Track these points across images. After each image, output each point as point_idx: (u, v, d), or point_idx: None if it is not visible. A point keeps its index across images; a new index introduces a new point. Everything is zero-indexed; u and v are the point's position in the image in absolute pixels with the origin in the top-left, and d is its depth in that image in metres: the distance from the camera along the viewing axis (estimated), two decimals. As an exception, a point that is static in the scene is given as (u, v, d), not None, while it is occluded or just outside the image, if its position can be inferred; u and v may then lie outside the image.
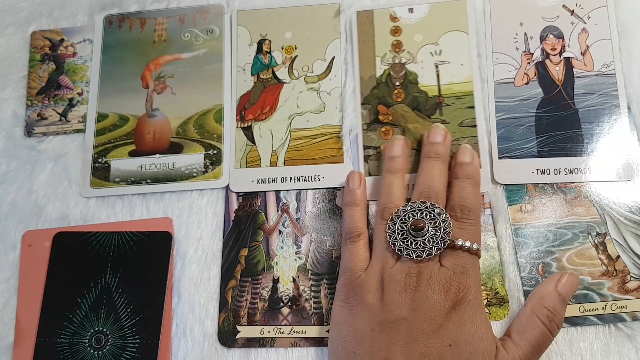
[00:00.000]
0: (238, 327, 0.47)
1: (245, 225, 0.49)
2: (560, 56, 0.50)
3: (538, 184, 0.47)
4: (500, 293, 0.45)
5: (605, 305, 0.44)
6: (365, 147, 0.50)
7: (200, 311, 0.47)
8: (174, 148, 0.52)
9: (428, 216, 0.42)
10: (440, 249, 0.41)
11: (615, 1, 0.50)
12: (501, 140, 0.49)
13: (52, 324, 0.47)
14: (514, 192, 0.47)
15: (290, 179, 0.50)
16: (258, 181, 0.50)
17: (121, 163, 0.52)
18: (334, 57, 0.52)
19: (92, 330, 0.46)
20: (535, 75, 0.50)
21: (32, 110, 0.54)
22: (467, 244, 0.41)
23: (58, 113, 0.54)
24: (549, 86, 0.49)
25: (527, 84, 0.50)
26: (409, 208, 0.43)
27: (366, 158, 0.49)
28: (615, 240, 0.46)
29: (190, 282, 0.48)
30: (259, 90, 0.53)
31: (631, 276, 0.45)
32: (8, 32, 0.57)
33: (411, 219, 0.42)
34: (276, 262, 0.48)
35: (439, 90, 0.50)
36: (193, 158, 0.51)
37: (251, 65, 0.53)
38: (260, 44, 0.54)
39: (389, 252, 0.42)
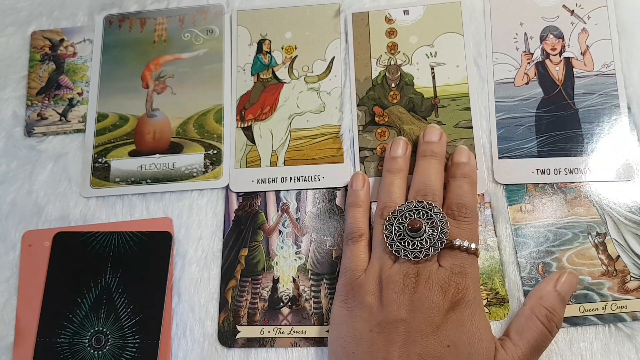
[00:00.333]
0: (238, 327, 0.47)
1: (245, 225, 0.49)
2: (560, 56, 0.50)
3: (538, 184, 0.47)
4: (501, 293, 0.45)
5: (605, 305, 0.44)
6: (361, 149, 0.50)
7: (200, 311, 0.47)
8: (174, 148, 0.52)
9: (425, 216, 0.42)
10: (438, 249, 0.41)
11: (615, 1, 0.50)
12: (501, 140, 0.49)
13: (52, 324, 0.47)
14: (514, 192, 0.47)
15: (290, 179, 0.50)
16: (258, 181, 0.50)
17: (121, 163, 0.52)
18: (334, 57, 0.52)
19: (92, 330, 0.46)
20: (535, 75, 0.50)
21: (32, 110, 0.54)
22: (465, 243, 0.41)
23: (58, 113, 0.54)
24: (549, 86, 0.49)
25: (527, 84, 0.50)
26: (406, 208, 0.43)
27: (362, 159, 0.49)
28: (615, 240, 0.46)
29: (190, 282, 0.48)
30: (259, 90, 0.53)
31: (631, 276, 0.45)
32: (8, 32, 0.57)
33: (408, 219, 0.42)
34: (276, 262, 0.48)
35: (435, 91, 0.50)
36: (193, 158, 0.51)
37: (251, 65, 0.53)
38: (260, 44, 0.54)
39: (386, 253, 0.42)
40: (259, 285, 0.48)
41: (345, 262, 0.44)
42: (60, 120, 0.54)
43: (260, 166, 0.50)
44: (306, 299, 0.47)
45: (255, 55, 0.53)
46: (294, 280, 0.47)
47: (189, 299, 0.48)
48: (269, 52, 0.53)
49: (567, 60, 0.50)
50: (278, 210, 0.49)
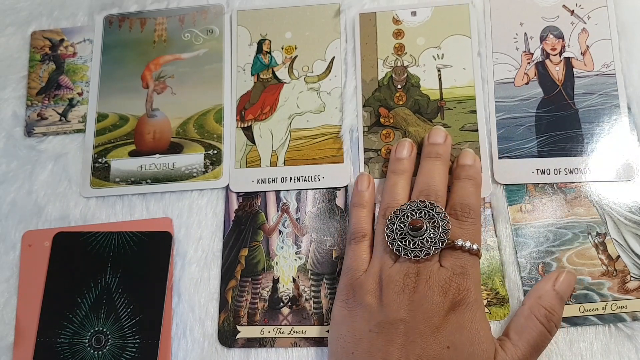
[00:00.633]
0: (238, 327, 0.47)
1: (245, 225, 0.49)
2: (560, 56, 0.50)
3: (538, 184, 0.47)
4: (501, 293, 0.45)
5: (605, 305, 0.44)
6: (365, 150, 0.50)
7: (200, 311, 0.47)
8: (174, 148, 0.52)
9: (427, 215, 0.42)
10: (439, 249, 0.41)
11: (615, 1, 0.50)
12: (501, 140, 0.49)
13: (52, 324, 0.47)
14: (514, 192, 0.47)
15: (290, 179, 0.50)
16: (258, 181, 0.50)
17: (121, 163, 0.52)
18: (334, 57, 0.52)
19: (92, 330, 0.46)
20: (535, 75, 0.50)
21: (32, 110, 0.54)
22: (467, 244, 0.41)
23: (58, 113, 0.54)
24: (549, 86, 0.49)
25: (527, 84, 0.50)
26: (408, 207, 0.43)
27: (367, 160, 0.49)
28: (615, 240, 0.46)
29: (190, 282, 0.48)
30: (259, 90, 0.53)
31: (631, 276, 0.45)
32: (8, 32, 0.57)
33: (409, 218, 0.42)
34: (276, 262, 0.48)
35: (441, 94, 0.50)
36: (193, 158, 0.51)
37: (251, 65, 0.53)
38: (260, 44, 0.54)
39: (387, 253, 0.42)
40: (259, 285, 0.48)
41: (347, 262, 0.44)
42: (60, 120, 0.54)
43: (260, 166, 0.50)
44: (306, 299, 0.47)
45: (255, 55, 0.53)
46: (294, 280, 0.47)
47: (189, 299, 0.48)
48: (269, 52, 0.53)
49: (567, 60, 0.50)
50: (278, 210, 0.49)
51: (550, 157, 0.48)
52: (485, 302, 0.45)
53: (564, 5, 0.51)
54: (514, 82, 0.50)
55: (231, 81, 0.53)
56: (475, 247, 0.41)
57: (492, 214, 0.47)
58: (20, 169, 0.52)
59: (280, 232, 0.49)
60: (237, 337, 0.46)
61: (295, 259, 0.48)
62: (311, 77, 0.52)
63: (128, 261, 0.48)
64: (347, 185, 0.49)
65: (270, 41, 0.54)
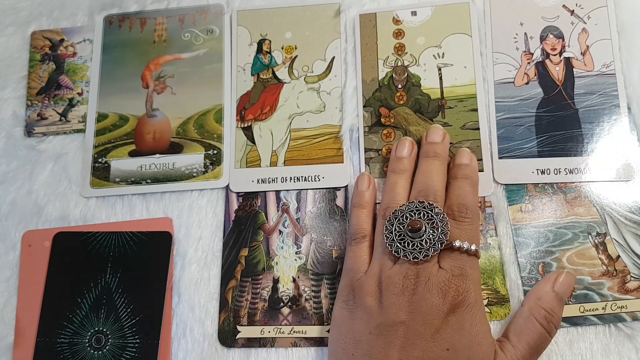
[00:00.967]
0: (238, 327, 0.47)
1: (245, 225, 0.49)
2: (560, 56, 0.50)
3: (538, 183, 0.47)
4: (501, 292, 0.45)
5: (605, 305, 0.44)
6: (366, 150, 0.50)
7: (200, 311, 0.47)
8: (174, 148, 0.52)
9: (425, 216, 0.42)
10: (438, 250, 0.41)
11: (615, 1, 0.51)
12: (501, 140, 0.49)
13: (52, 324, 0.47)
14: (514, 192, 0.47)
15: (290, 179, 0.50)
16: (258, 181, 0.50)
17: (121, 163, 0.52)
18: (334, 57, 0.52)
19: (92, 330, 0.46)
20: (535, 75, 0.50)
21: (32, 110, 0.54)
22: (465, 245, 0.41)
23: (58, 113, 0.54)
24: (549, 86, 0.49)
25: (527, 84, 0.50)
26: (406, 208, 0.42)
27: (367, 160, 0.49)
28: (615, 240, 0.46)
29: (190, 282, 0.48)
30: (259, 90, 0.53)
31: (631, 276, 0.45)
32: (8, 32, 0.57)
33: (408, 219, 0.42)
34: (276, 262, 0.48)
35: (442, 92, 0.50)
36: (193, 158, 0.51)
37: (251, 65, 0.53)
38: (260, 44, 0.54)
39: (386, 254, 0.42)
40: (259, 285, 0.48)
41: (347, 263, 0.44)
42: (60, 120, 0.54)
43: (260, 166, 0.50)
44: (306, 299, 0.47)
45: (255, 55, 0.53)
46: (294, 280, 0.47)
47: (189, 299, 0.48)
48: (269, 52, 0.53)
49: (567, 60, 0.50)
50: (278, 210, 0.49)
51: (550, 157, 0.48)
52: (485, 301, 0.45)
53: (564, 5, 0.51)
54: (514, 82, 0.50)
55: (231, 81, 0.53)
56: (473, 247, 0.41)
57: (492, 214, 0.47)
58: (20, 169, 0.52)
59: (280, 232, 0.49)
60: (237, 337, 0.46)
61: (296, 259, 0.48)
62: (311, 77, 0.52)
63: (128, 261, 0.48)
64: (347, 185, 0.49)
65: (270, 41, 0.54)
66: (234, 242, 0.49)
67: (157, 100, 0.53)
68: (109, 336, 0.46)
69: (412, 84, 0.51)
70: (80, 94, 0.54)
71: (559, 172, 0.47)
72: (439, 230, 0.41)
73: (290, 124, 0.51)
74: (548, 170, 0.47)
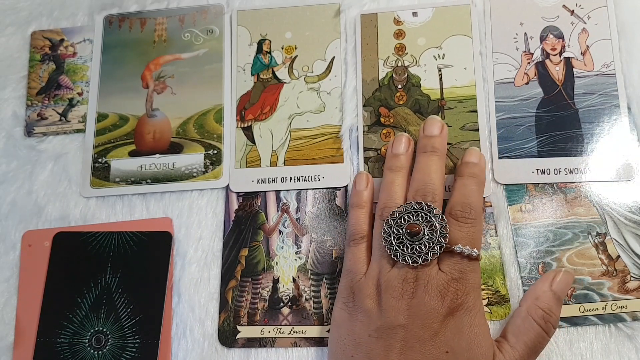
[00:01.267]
0: (238, 327, 0.47)
1: (245, 225, 0.49)
2: (560, 56, 0.50)
3: (538, 183, 0.47)
4: (501, 292, 0.45)
5: (605, 305, 0.44)
6: (365, 149, 0.50)
7: (200, 311, 0.47)
8: (174, 148, 0.52)
9: (424, 218, 0.41)
10: (437, 254, 0.40)
11: (615, 1, 0.50)
12: (501, 140, 0.49)
13: (52, 324, 0.47)
14: (514, 192, 0.47)
15: (290, 179, 0.50)
16: (258, 181, 0.50)
17: (121, 163, 0.52)
18: (334, 57, 0.52)
19: (92, 330, 0.46)
20: (535, 75, 0.50)
21: (32, 110, 0.54)
22: (466, 249, 0.40)
23: (58, 113, 0.54)
24: (549, 86, 0.49)
25: (527, 84, 0.50)
26: (404, 210, 0.41)
27: (366, 160, 0.49)
28: (615, 240, 0.46)
29: (190, 282, 0.48)
30: (259, 90, 0.53)
31: (631, 276, 0.45)
32: (8, 32, 0.57)
33: (407, 221, 0.41)
34: (276, 262, 0.48)
35: (442, 93, 0.50)
36: (193, 158, 0.51)
37: (251, 65, 0.53)
38: (260, 44, 0.54)
39: (385, 257, 0.41)
40: (259, 285, 0.48)
41: (346, 264, 0.44)
42: (60, 120, 0.54)
43: (260, 166, 0.50)
44: (306, 299, 0.47)
45: (255, 55, 0.53)
46: (294, 280, 0.47)
47: (189, 299, 0.48)
48: (269, 52, 0.53)
49: (567, 60, 0.50)
50: (278, 210, 0.49)
51: (550, 157, 0.48)
52: (485, 301, 0.45)
53: (564, 5, 0.51)
54: (514, 82, 0.50)
55: (231, 81, 0.53)
56: (474, 253, 0.40)
57: (492, 213, 0.47)
58: (20, 169, 0.52)
59: (280, 232, 0.49)
60: (237, 337, 0.46)
61: (295, 259, 0.48)
62: (311, 77, 0.52)
63: (128, 261, 0.48)
64: (347, 185, 0.49)
65: (270, 41, 0.54)
66: (234, 242, 0.49)
67: (157, 100, 0.53)
68: (109, 336, 0.46)
69: (412, 85, 0.51)
70: (80, 94, 0.54)
71: (559, 172, 0.47)
72: (438, 233, 0.40)
73: (290, 124, 0.51)
74: (548, 170, 0.47)
